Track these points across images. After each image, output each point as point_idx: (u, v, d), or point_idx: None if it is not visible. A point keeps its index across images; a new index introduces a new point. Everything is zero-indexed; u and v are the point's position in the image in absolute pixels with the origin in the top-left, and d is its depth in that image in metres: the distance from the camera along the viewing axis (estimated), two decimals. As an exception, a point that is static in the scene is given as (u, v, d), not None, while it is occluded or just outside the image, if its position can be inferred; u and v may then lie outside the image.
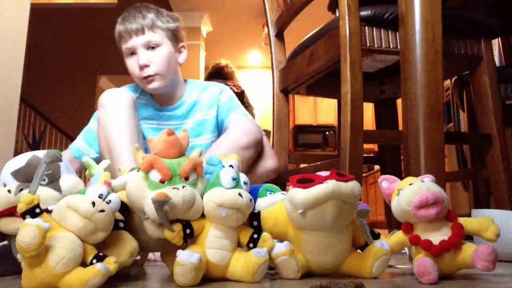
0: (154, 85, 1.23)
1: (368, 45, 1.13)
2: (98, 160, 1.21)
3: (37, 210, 0.57)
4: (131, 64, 1.24)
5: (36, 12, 2.65)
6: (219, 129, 1.33)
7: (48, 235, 0.54)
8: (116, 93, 1.23)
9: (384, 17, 1.14)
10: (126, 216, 0.69)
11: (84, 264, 0.58)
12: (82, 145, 1.34)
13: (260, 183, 0.82)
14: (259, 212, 0.70)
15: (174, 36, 1.28)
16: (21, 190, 0.65)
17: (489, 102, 1.25)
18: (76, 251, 0.56)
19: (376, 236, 0.72)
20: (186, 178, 0.65)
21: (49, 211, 0.61)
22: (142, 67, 1.21)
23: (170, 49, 1.26)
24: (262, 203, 0.75)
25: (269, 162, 1.29)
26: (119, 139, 1.16)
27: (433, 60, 1.03)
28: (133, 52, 1.24)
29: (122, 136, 1.16)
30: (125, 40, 1.24)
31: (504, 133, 1.24)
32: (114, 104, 1.20)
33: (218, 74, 3.05)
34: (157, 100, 1.32)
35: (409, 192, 0.68)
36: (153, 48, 1.23)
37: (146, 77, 1.22)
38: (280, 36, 1.58)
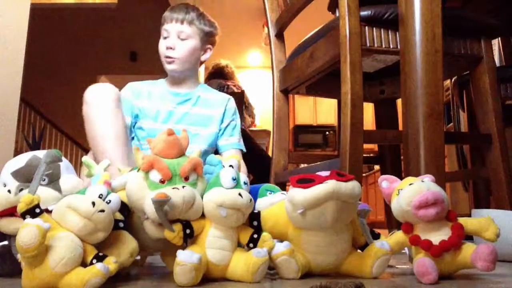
0: (172, 66, 1.39)
1: (368, 45, 1.13)
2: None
3: (37, 210, 0.57)
4: (161, 43, 1.41)
5: (36, 12, 2.65)
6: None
7: (48, 235, 0.54)
8: (100, 89, 1.28)
9: (384, 17, 1.14)
10: (126, 216, 0.69)
11: (84, 264, 0.58)
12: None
13: None
14: (259, 212, 0.70)
15: (205, 37, 1.44)
16: (21, 190, 0.65)
17: (489, 102, 1.25)
18: (76, 251, 0.56)
19: (376, 236, 0.72)
20: (186, 178, 0.65)
21: (49, 211, 0.61)
22: (167, 48, 1.39)
23: (196, 45, 1.42)
24: (262, 203, 0.76)
25: None
26: (104, 137, 1.20)
27: (433, 60, 1.03)
28: (167, 36, 1.41)
29: (107, 134, 1.21)
30: (165, 23, 1.42)
31: (504, 133, 1.24)
32: (98, 100, 1.25)
33: (218, 74, 3.05)
34: (171, 85, 1.47)
35: (409, 192, 0.68)
36: (183, 39, 1.39)
37: (168, 57, 1.39)
38: (280, 36, 1.58)
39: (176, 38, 1.39)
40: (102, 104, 1.24)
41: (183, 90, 1.45)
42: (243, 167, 1.41)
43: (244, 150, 1.50)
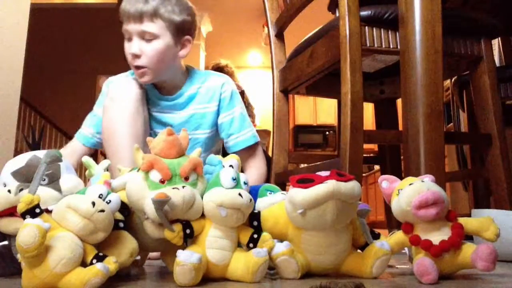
0: (144, 78, 1.17)
1: (368, 45, 1.13)
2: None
3: (37, 210, 0.57)
4: (126, 48, 1.17)
5: (36, 12, 2.65)
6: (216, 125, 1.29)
7: (48, 235, 0.54)
8: (127, 87, 1.18)
9: (384, 17, 1.14)
10: (126, 216, 0.69)
11: (84, 264, 0.58)
12: (88, 131, 1.30)
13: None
14: (259, 212, 0.70)
15: (178, 29, 1.16)
16: (21, 190, 0.65)
17: (489, 102, 1.24)
18: (76, 251, 0.56)
19: (376, 236, 0.72)
20: (186, 178, 0.65)
21: (49, 211, 0.61)
22: (133, 57, 1.14)
23: (168, 43, 1.15)
24: (262, 203, 0.75)
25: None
26: (121, 136, 1.14)
27: (433, 60, 1.03)
28: (129, 38, 1.15)
29: (125, 134, 1.14)
30: (123, 21, 1.15)
31: (504, 133, 1.24)
32: (123, 98, 1.16)
33: (218, 74, 3.05)
34: (156, 87, 1.27)
35: (409, 192, 0.68)
36: (148, 40, 1.13)
37: (136, 67, 1.16)
38: (280, 36, 1.57)
39: (140, 40, 1.13)
40: (125, 104, 1.14)
41: (169, 91, 1.25)
42: (254, 166, 1.30)
43: (257, 140, 1.30)
